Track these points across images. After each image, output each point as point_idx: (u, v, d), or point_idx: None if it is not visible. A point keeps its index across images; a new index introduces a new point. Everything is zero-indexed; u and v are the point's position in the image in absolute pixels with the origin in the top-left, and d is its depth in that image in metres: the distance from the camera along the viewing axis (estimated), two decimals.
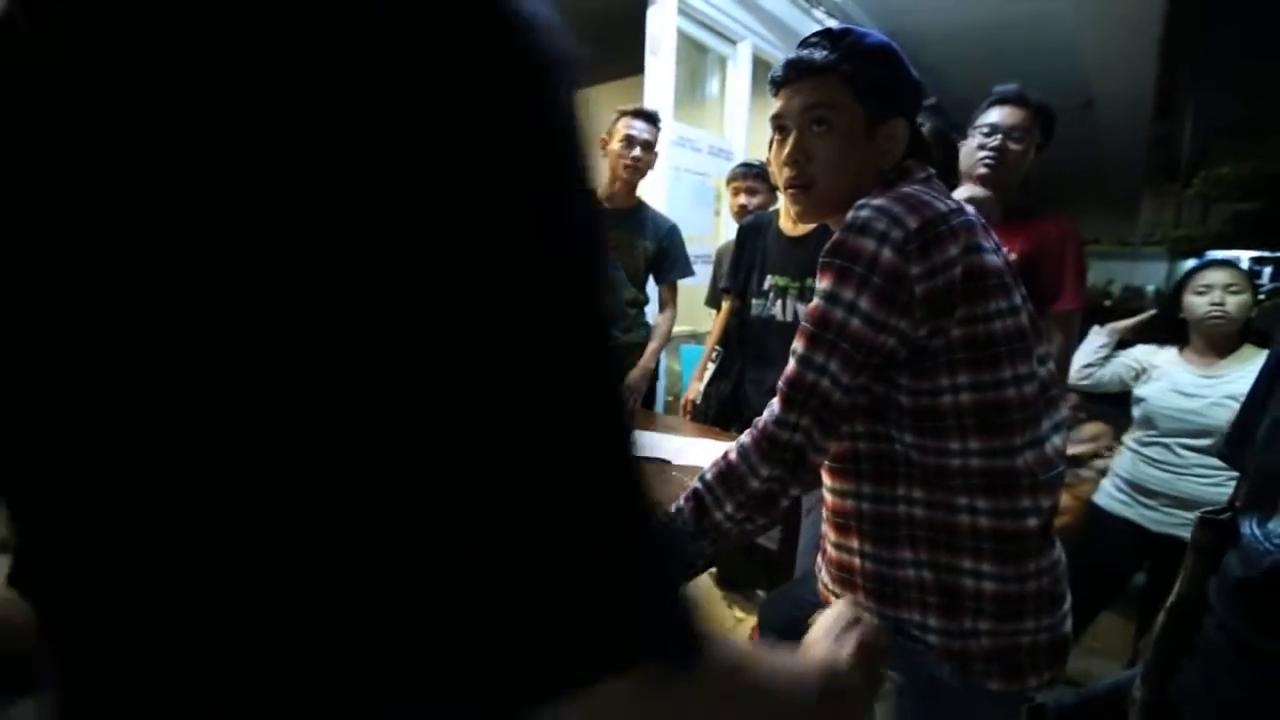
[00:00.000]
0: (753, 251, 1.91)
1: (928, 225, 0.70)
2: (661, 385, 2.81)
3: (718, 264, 2.56)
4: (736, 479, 0.79)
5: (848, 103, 0.79)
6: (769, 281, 1.84)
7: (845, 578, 0.85)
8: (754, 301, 1.88)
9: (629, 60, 3.18)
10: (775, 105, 0.85)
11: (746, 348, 1.90)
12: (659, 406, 2.75)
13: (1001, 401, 0.72)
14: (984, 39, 4.05)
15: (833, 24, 3.71)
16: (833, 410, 0.74)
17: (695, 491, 0.83)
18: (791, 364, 0.76)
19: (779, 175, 0.87)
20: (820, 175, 0.82)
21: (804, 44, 0.83)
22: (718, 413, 1.95)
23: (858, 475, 0.82)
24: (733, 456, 0.80)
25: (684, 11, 2.96)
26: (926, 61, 4.54)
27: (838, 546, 0.87)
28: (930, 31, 4.04)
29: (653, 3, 2.91)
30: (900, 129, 0.81)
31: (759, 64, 3.56)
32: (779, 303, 1.82)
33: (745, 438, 0.81)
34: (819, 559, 0.96)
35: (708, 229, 3.35)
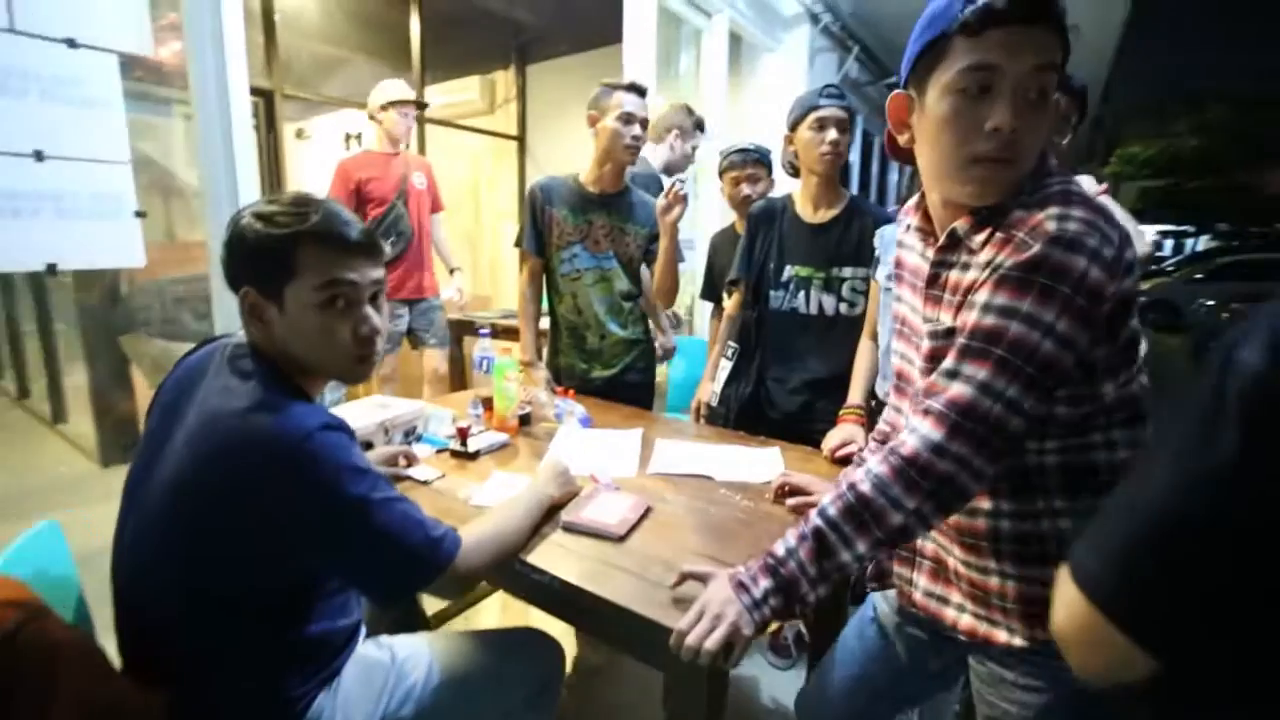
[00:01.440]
0: (767, 240, 1.77)
1: (1125, 242, 0.65)
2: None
3: (714, 253, 2.44)
4: (873, 514, 0.71)
5: (1058, 67, 0.68)
6: (789, 272, 1.72)
7: (980, 596, 0.82)
8: (772, 294, 1.75)
9: (606, 29, 3.01)
10: (968, 50, 0.67)
11: (766, 344, 1.78)
12: (669, 407, 2.64)
13: (1135, 394, 0.73)
14: None
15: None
16: (1005, 436, 0.67)
17: (816, 531, 0.75)
18: (965, 389, 0.68)
19: (959, 145, 0.71)
20: (1026, 154, 0.70)
21: None
22: (738, 415, 1.82)
23: (994, 492, 0.77)
24: (864, 489, 0.72)
25: None
26: (892, 38, 4.54)
27: (968, 565, 0.82)
28: (897, 7, 4.02)
29: None
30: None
31: (734, 39, 3.45)
32: (801, 294, 1.71)
33: (877, 466, 0.72)
34: (908, 571, 0.93)
35: (690, 214, 3.24)
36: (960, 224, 0.76)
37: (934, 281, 0.81)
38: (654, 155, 2.50)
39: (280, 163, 3.69)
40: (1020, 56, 0.67)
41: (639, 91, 1.85)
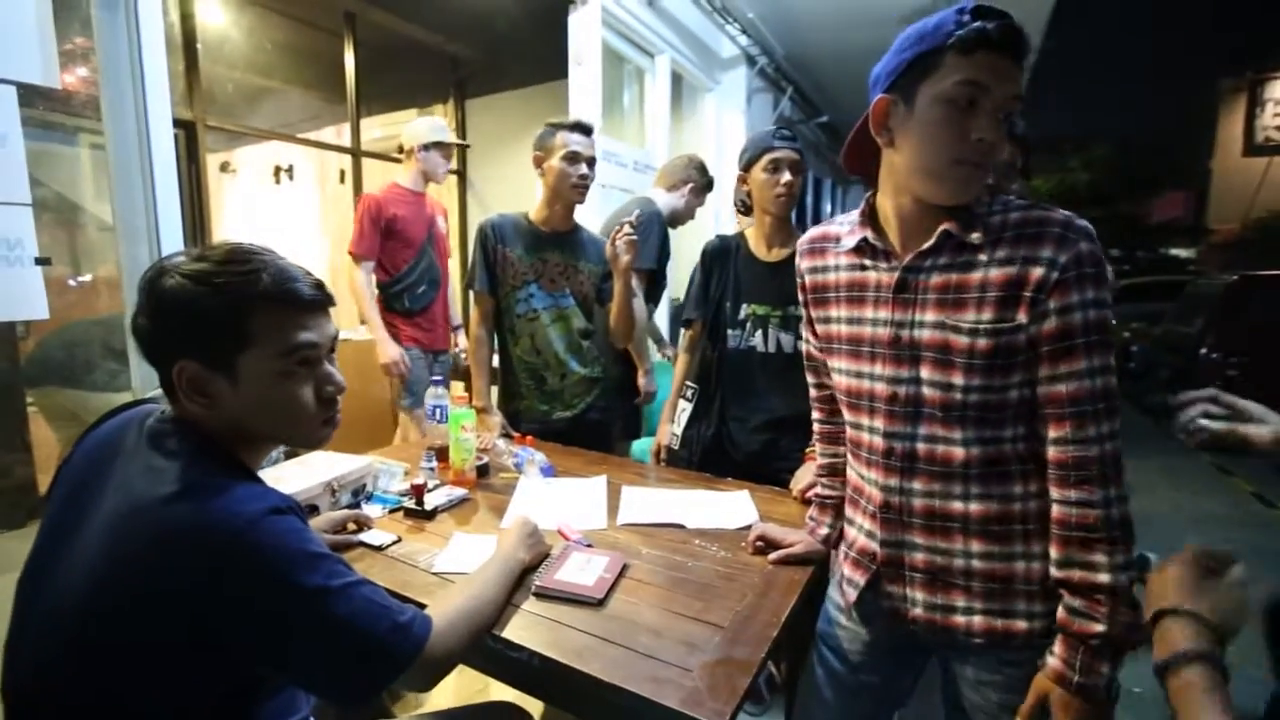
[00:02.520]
0: (723, 278, 1.74)
1: None
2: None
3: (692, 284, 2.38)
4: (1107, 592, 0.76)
5: (1020, 101, 0.80)
6: (745, 310, 1.69)
7: (998, 589, 0.84)
8: (730, 333, 1.72)
9: (547, 66, 3.00)
10: (960, 67, 0.77)
11: (726, 383, 1.75)
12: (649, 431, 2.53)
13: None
14: (875, 59, 4.30)
15: (744, 41, 3.80)
16: None
17: (1089, 649, 0.77)
18: (1106, 379, 0.78)
19: (946, 148, 0.79)
20: (993, 164, 0.81)
21: (994, 13, 0.76)
22: (702, 457, 1.80)
23: (1025, 475, 0.83)
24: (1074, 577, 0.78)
25: (606, 21, 2.83)
26: (821, 80, 4.76)
27: (989, 557, 0.84)
28: (825, 53, 4.22)
29: (574, 9, 2.76)
30: None
31: (675, 79, 3.52)
32: (759, 332, 1.67)
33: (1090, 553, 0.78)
34: (901, 589, 0.91)
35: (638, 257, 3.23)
36: (949, 226, 0.82)
37: (904, 287, 0.86)
38: (663, 200, 2.54)
39: (204, 197, 3.46)
40: (1003, 82, 0.77)
41: (584, 130, 1.85)
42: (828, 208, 7.19)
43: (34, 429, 2.44)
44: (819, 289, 0.99)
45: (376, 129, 4.60)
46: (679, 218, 2.61)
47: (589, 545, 1.19)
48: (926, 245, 0.83)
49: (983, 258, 0.80)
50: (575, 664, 0.86)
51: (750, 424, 1.72)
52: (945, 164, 0.80)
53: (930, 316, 0.84)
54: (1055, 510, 0.79)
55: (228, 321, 0.73)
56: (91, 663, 0.67)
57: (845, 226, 0.95)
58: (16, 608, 0.75)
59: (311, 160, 5.00)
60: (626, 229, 1.71)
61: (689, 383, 1.83)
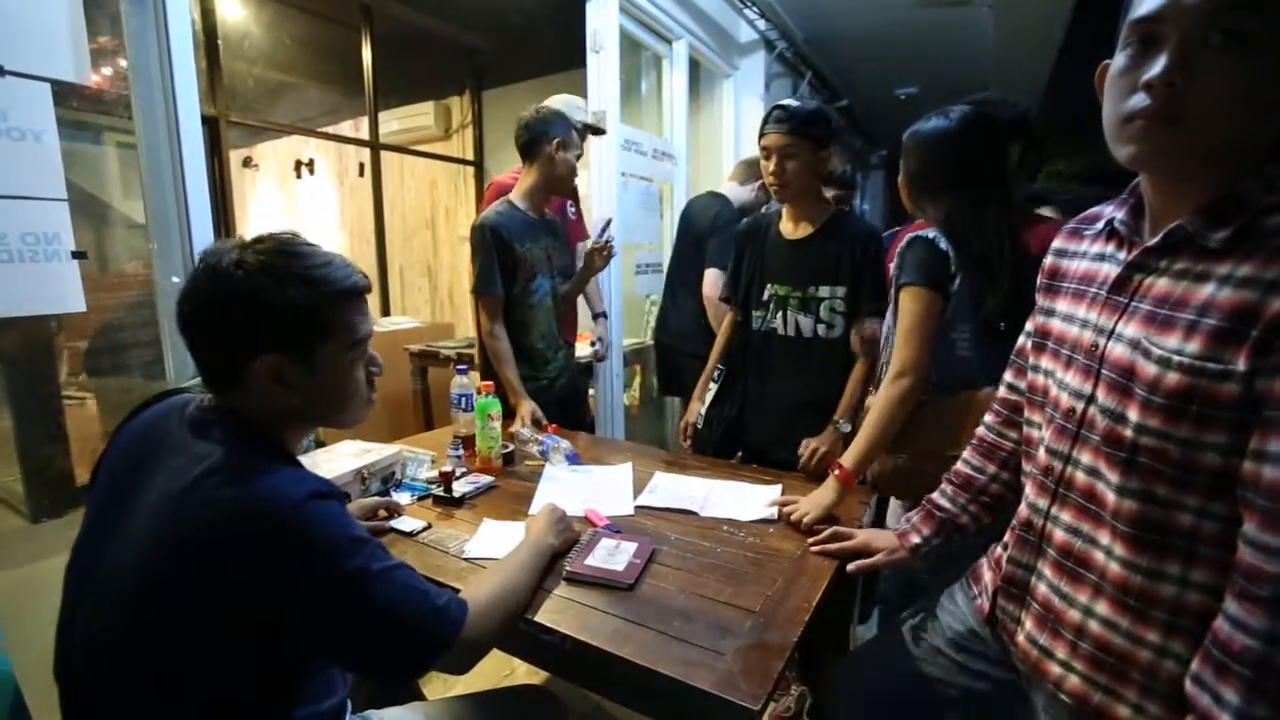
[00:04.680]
0: (753, 258, 1.70)
1: None
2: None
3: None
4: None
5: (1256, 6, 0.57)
6: (768, 291, 1.65)
7: (1109, 662, 0.70)
8: (754, 314, 1.68)
9: (563, 55, 2.99)
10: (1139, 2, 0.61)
11: (749, 365, 1.72)
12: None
13: None
14: (896, 42, 4.21)
15: (763, 25, 3.73)
16: None
17: None
18: None
19: (1115, 103, 0.64)
20: (1198, 113, 0.59)
21: None
22: (721, 438, 1.78)
23: (1190, 559, 0.64)
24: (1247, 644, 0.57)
25: (623, 8, 2.80)
26: (841, 64, 4.68)
27: (1113, 628, 0.70)
28: (845, 36, 4.14)
29: None
30: None
31: (693, 65, 3.48)
32: (780, 314, 1.63)
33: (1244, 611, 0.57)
34: (1017, 609, 0.83)
35: (654, 235, 3.22)
36: (1187, 221, 0.64)
37: (1121, 286, 0.70)
38: (735, 194, 2.70)
39: (227, 192, 3.52)
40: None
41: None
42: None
43: (71, 421, 2.51)
44: (1055, 275, 0.84)
45: (394, 122, 4.62)
46: (748, 209, 2.71)
47: (618, 531, 1.19)
48: (1152, 242, 0.67)
49: (1223, 270, 0.61)
50: (608, 647, 0.86)
51: (765, 409, 1.70)
52: (1118, 123, 0.64)
53: (1132, 330, 0.67)
54: (1217, 619, 0.61)
55: (312, 316, 0.78)
56: (143, 646, 0.70)
57: (1114, 204, 0.78)
58: (66, 597, 0.77)
59: (331, 154, 5.05)
60: (610, 241, 1.97)
61: (718, 364, 1.82)
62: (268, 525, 0.68)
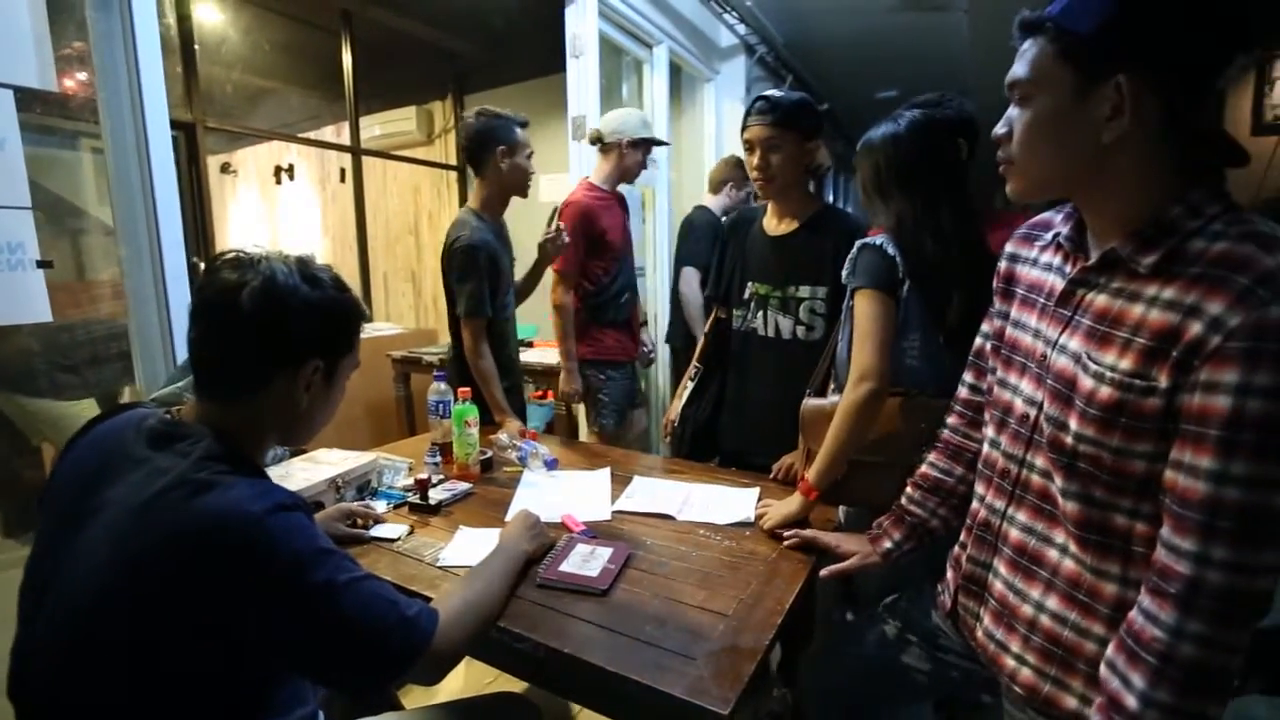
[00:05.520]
0: (735, 254, 1.65)
1: None
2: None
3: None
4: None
5: (1039, 84, 0.70)
6: (749, 289, 1.60)
7: (1058, 655, 0.73)
8: (735, 312, 1.63)
9: (546, 59, 2.98)
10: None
11: (726, 365, 1.69)
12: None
13: None
14: (875, 46, 4.26)
15: (743, 30, 3.76)
16: None
17: None
18: (1251, 496, 0.57)
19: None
20: (1018, 159, 0.74)
21: None
22: (692, 440, 1.74)
23: (1127, 558, 0.68)
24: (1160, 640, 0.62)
25: (603, 13, 2.81)
26: (822, 68, 4.72)
27: (1062, 621, 0.73)
28: (825, 40, 4.18)
29: (570, 2, 2.74)
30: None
31: (674, 69, 3.49)
32: (760, 314, 1.58)
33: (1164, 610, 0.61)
34: (975, 605, 0.86)
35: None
36: (1119, 245, 0.67)
37: (1066, 300, 0.74)
38: (714, 204, 2.96)
39: (205, 198, 3.47)
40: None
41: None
42: (829, 197, 7.15)
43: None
44: (1009, 279, 0.87)
45: (376, 127, 4.59)
46: (730, 210, 2.89)
47: (593, 536, 1.19)
48: (1090, 263, 0.71)
49: (1151, 291, 0.64)
50: (579, 653, 0.86)
51: (740, 411, 1.67)
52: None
53: (1075, 344, 0.71)
54: (1132, 610, 0.65)
55: (350, 327, 0.85)
56: (105, 663, 0.68)
57: (1061, 216, 0.81)
58: (22, 615, 0.75)
59: (313, 160, 5.01)
60: (562, 236, 1.95)
61: (696, 363, 1.79)
62: (230, 539, 0.67)
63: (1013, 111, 0.73)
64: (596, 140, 2.29)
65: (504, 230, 1.94)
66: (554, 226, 1.94)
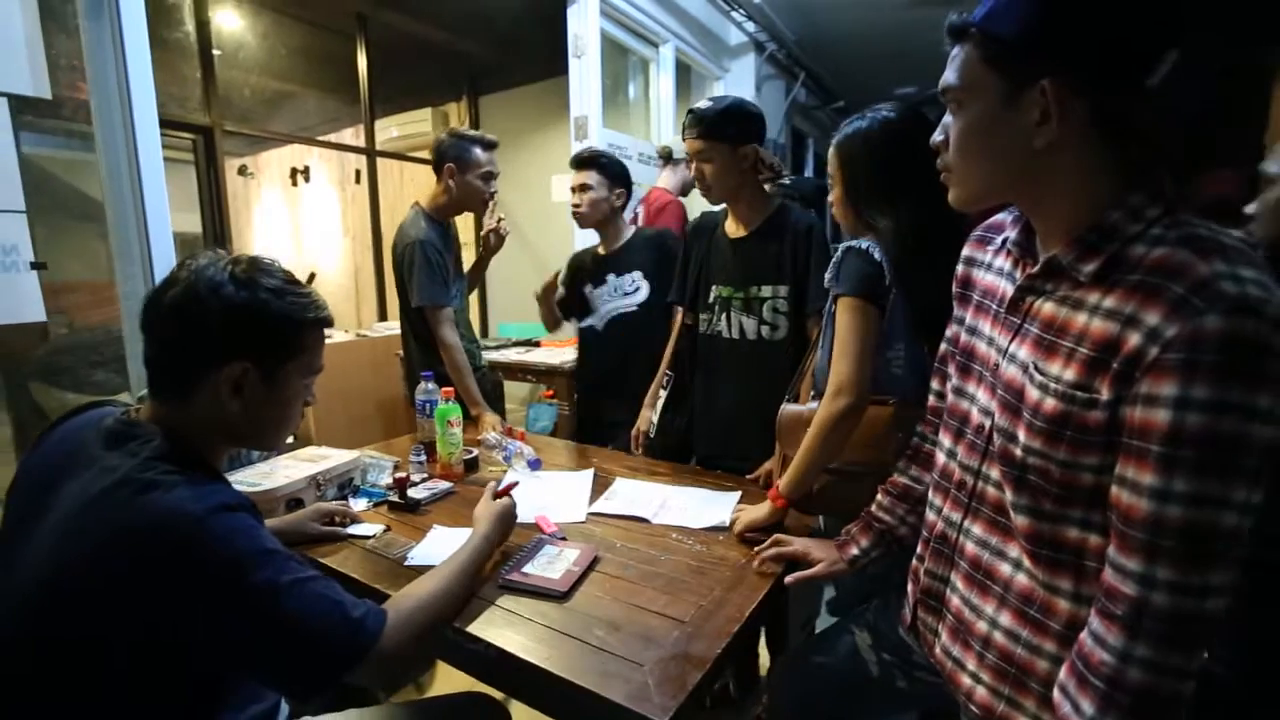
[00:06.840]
0: (699, 258, 1.66)
1: None
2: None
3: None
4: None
5: (966, 89, 0.69)
6: (713, 293, 1.60)
7: (1011, 672, 0.71)
8: (700, 317, 1.64)
9: (557, 60, 2.99)
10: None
11: (697, 371, 1.68)
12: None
13: None
14: (890, 42, 4.18)
15: (751, 28, 3.73)
16: (1234, 559, 0.56)
17: None
18: (1197, 513, 0.55)
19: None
20: (955, 169, 0.73)
21: None
22: (664, 446, 1.74)
23: (1079, 573, 0.65)
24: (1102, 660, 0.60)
25: (606, 13, 2.81)
26: (837, 64, 4.65)
27: (1015, 639, 0.71)
28: (839, 36, 4.12)
29: (572, 2, 2.74)
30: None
31: (682, 68, 3.48)
32: (724, 317, 1.58)
33: (1109, 630, 0.59)
34: (934, 620, 0.83)
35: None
36: (1061, 253, 0.65)
37: (1015, 307, 0.72)
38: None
39: (223, 201, 3.56)
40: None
41: (491, 146, 1.94)
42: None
43: None
44: (966, 284, 0.85)
45: (394, 128, 4.66)
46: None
47: (563, 538, 1.19)
48: (1034, 270, 0.69)
49: (1093, 299, 0.62)
50: (526, 656, 0.86)
51: (710, 415, 1.66)
52: None
53: (1024, 353, 0.69)
54: (1083, 632, 0.63)
55: (292, 332, 0.83)
56: (51, 663, 0.69)
57: (1012, 219, 0.79)
58: None
59: (329, 162, 5.10)
60: (504, 227, 2.05)
61: (667, 370, 1.79)
62: (169, 537, 0.68)
63: (948, 119, 0.71)
64: (667, 155, 2.49)
65: (449, 231, 2.02)
66: (495, 218, 2.00)
